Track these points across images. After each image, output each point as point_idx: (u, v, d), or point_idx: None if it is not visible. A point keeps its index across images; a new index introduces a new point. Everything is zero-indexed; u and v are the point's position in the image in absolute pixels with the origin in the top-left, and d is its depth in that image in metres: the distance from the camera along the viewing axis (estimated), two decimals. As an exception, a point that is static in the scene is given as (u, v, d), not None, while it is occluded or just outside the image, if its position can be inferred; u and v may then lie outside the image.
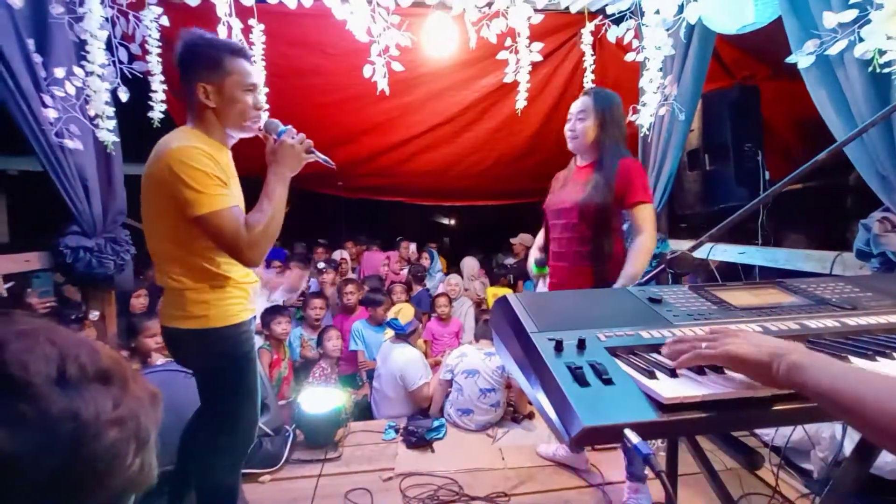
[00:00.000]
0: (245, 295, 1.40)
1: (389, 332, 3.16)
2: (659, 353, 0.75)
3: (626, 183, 1.71)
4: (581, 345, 0.75)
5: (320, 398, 2.47)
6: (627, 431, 0.56)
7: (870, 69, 1.35)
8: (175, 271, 1.29)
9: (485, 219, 7.60)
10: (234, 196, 1.28)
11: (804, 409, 0.60)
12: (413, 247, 5.52)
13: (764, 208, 2.96)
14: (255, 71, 1.38)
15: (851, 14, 1.44)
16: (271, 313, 3.09)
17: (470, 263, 5.08)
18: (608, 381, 0.65)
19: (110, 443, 0.34)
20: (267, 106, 2.36)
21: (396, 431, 2.52)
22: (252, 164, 1.82)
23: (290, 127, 1.36)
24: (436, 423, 2.52)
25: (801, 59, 1.61)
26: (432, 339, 3.66)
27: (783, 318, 0.87)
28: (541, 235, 2.07)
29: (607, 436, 0.58)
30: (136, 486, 0.36)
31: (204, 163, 1.21)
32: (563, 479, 2.10)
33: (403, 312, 3.10)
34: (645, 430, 0.57)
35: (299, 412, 2.43)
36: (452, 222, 9.56)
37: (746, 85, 2.99)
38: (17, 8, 1.80)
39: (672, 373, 0.67)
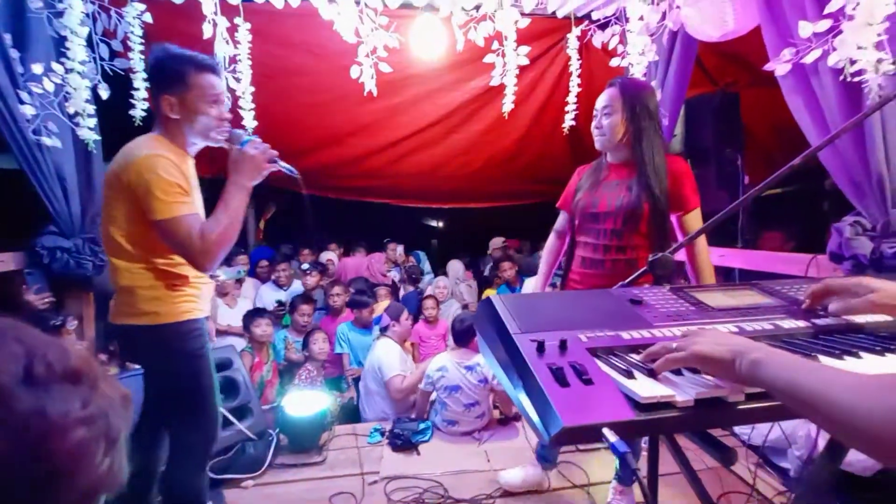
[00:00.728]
0: (198, 293, 1.44)
1: (377, 333, 3.17)
2: (638, 353, 0.76)
3: (678, 185, 1.59)
4: (563, 346, 0.76)
5: (305, 401, 2.45)
6: (606, 430, 0.57)
7: (841, 78, 1.40)
8: (129, 269, 1.33)
9: (472, 221, 7.61)
10: (193, 204, 1.34)
11: (776, 406, 0.61)
12: (400, 249, 5.50)
13: (744, 212, 3.04)
14: (221, 83, 1.42)
15: (826, 24, 1.49)
16: (252, 316, 3.06)
17: (456, 266, 5.08)
18: (588, 382, 0.66)
19: (78, 441, 0.33)
20: (252, 105, 2.34)
21: (382, 434, 2.51)
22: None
23: (254, 137, 1.41)
24: (421, 426, 2.52)
25: (778, 66, 1.66)
26: (420, 341, 3.65)
27: (758, 318, 0.89)
28: (549, 250, 1.90)
29: (586, 435, 0.59)
30: (105, 486, 0.35)
31: (169, 171, 1.28)
32: (568, 478, 2.11)
33: (381, 307, 3.11)
34: (623, 429, 0.58)
35: (283, 416, 2.40)
36: (441, 225, 9.57)
37: (728, 91, 3.07)
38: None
39: (650, 372, 0.68)
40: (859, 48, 1.29)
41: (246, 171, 1.35)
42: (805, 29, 1.54)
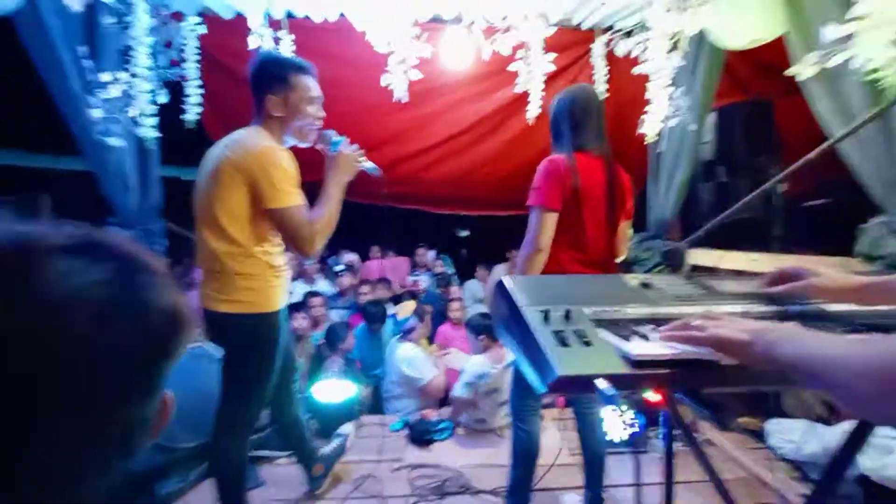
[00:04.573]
0: (284, 284, 1.55)
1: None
2: (641, 326, 0.80)
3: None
4: (567, 315, 0.81)
5: (334, 389, 2.55)
6: (598, 380, 0.62)
7: (857, 79, 1.40)
8: (230, 254, 1.41)
9: (499, 230, 7.63)
10: (301, 195, 1.45)
11: (765, 372, 0.64)
12: (431, 254, 5.60)
13: (779, 220, 2.96)
14: (316, 85, 1.55)
15: (850, 28, 1.49)
16: (292, 309, 3.19)
17: (474, 288, 4.99)
18: (588, 343, 0.71)
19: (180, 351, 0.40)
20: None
21: (406, 425, 2.57)
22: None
23: (344, 137, 1.55)
24: (442, 425, 2.55)
25: (802, 71, 1.66)
26: (445, 343, 3.68)
27: (767, 303, 0.91)
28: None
29: (579, 385, 0.64)
30: (145, 425, 0.40)
31: (288, 164, 1.41)
32: (568, 478, 2.11)
33: (403, 310, 3.15)
34: (615, 382, 0.62)
35: (313, 402, 2.51)
36: (468, 234, 9.63)
37: (760, 100, 3.03)
38: (75, 11, 1.99)
39: (646, 338, 0.73)
40: (874, 49, 1.29)
41: (343, 168, 1.50)
42: (830, 33, 1.55)
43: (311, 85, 1.52)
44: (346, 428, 2.35)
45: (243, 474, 1.58)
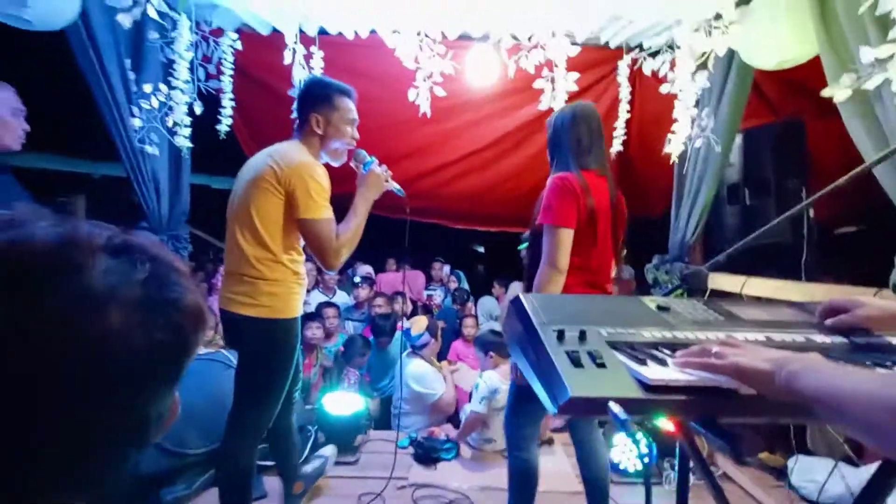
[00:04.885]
0: (303, 293, 1.61)
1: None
2: (657, 349, 0.79)
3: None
4: (582, 336, 0.80)
5: (343, 402, 2.56)
6: (611, 403, 0.61)
7: (894, 102, 1.35)
8: (259, 258, 1.48)
9: (516, 248, 7.60)
10: (331, 210, 1.54)
11: (785, 403, 0.62)
12: (447, 269, 5.61)
13: (808, 246, 2.86)
14: (354, 108, 1.66)
15: (889, 49, 1.46)
16: (305, 319, 3.24)
17: (488, 305, 4.92)
18: (602, 365, 0.70)
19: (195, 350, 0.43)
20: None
21: (411, 442, 2.55)
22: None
23: (374, 158, 1.66)
24: (447, 445, 2.52)
25: (837, 92, 1.62)
26: (457, 359, 3.66)
27: (790, 331, 0.88)
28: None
29: (592, 407, 0.63)
30: (160, 420, 0.41)
31: (322, 178, 1.51)
32: None
33: (416, 325, 3.15)
34: (628, 406, 0.61)
35: (322, 414, 2.52)
36: (484, 250, 9.63)
37: (790, 121, 2.95)
38: (125, 28, 2.11)
39: (663, 363, 0.71)
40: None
41: (372, 186, 1.61)
42: (867, 55, 1.52)
43: (351, 107, 1.64)
44: (328, 450, 2.29)
45: (250, 481, 1.59)
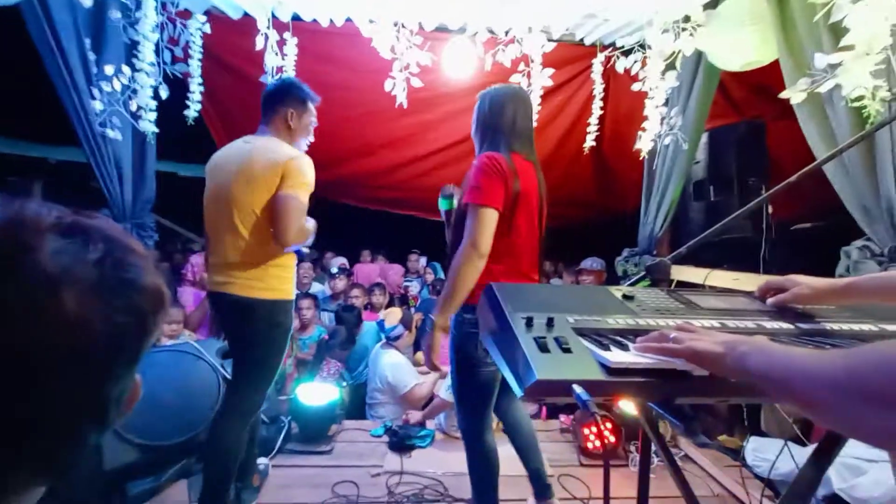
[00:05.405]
0: (293, 277, 1.74)
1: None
2: (621, 336, 0.82)
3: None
4: (550, 323, 0.83)
5: (317, 392, 2.54)
6: (575, 385, 0.64)
7: (844, 105, 1.44)
8: (264, 246, 1.60)
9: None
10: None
11: (736, 384, 0.67)
12: (423, 260, 5.62)
13: (766, 241, 3.01)
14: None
15: (840, 55, 1.54)
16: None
17: None
18: (567, 350, 0.73)
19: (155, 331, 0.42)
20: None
21: (386, 430, 2.57)
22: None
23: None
24: (422, 433, 2.55)
25: (794, 95, 1.71)
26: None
27: (743, 319, 0.94)
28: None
29: (557, 389, 0.66)
30: (121, 401, 0.41)
31: (312, 172, 1.64)
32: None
33: (390, 316, 3.15)
34: (591, 388, 0.65)
35: (296, 404, 2.50)
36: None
37: (752, 121, 3.09)
38: (86, 7, 2.01)
39: (625, 348, 0.75)
40: (860, 77, 1.34)
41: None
42: (820, 60, 1.60)
43: (315, 114, 1.81)
44: (264, 460, 2.19)
45: (233, 463, 1.60)
